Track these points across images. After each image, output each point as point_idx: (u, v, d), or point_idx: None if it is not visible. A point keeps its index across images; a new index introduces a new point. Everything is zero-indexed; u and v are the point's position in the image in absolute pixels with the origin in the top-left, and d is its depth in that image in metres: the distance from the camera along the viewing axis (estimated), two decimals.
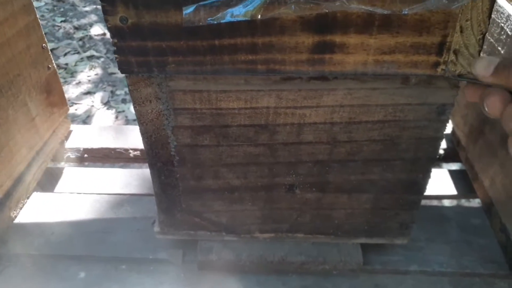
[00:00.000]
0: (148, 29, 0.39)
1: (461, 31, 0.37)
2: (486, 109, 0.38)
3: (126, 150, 0.83)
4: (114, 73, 2.03)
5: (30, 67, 0.73)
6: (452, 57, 0.39)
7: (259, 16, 0.37)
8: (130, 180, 0.80)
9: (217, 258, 0.60)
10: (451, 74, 0.40)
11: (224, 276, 0.62)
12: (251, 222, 0.59)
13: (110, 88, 1.93)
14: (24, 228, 0.69)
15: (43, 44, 0.76)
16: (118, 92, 1.91)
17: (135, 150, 0.84)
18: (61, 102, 0.85)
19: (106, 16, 0.38)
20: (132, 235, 0.67)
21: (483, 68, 0.38)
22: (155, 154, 0.51)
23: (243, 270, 0.62)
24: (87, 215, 0.70)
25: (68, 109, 0.87)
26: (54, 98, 0.81)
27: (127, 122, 1.74)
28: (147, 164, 0.53)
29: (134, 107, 0.47)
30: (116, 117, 1.77)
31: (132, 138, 0.86)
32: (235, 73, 0.42)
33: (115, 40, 0.40)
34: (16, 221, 0.70)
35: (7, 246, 0.65)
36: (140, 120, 0.48)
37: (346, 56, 0.40)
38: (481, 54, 0.39)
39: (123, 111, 1.80)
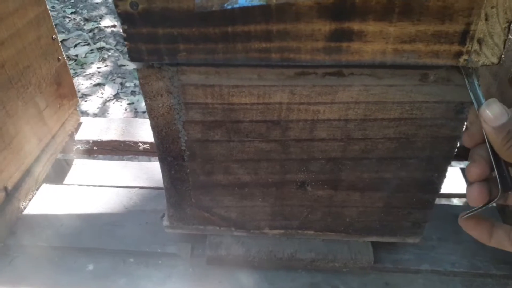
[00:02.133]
0: (159, 15, 0.38)
1: (486, 19, 0.36)
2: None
3: (136, 143, 0.83)
4: (124, 65, 2.03)
5: (40, 59, 0.73)
6: (475, 46, 0.37)
7: (274, 1, 0.36)
8: (140, 173, 0.79)
9: (226, 253, 0.60)
10: (473, 65, 0.38)
11: (232, 271, 0.62)
12: (261, 218, 0.58)
13: (119, 80, 1.93)
14: (33, 219, 0.69)
15: (53, 35, 0.76)
16: (127, 84, 1.91)
17: (144, 143, 0.83)
18: (71, 94, 0.84)
19: (116, 1, 0.37)
20: (141, 229, 0.67)
21: (494, 115, 0.35)
22: (165, 149, 0.51)
23: (252, 266, 0.61)
24: (96, 208, 0.70)
25: (77, 101, 0.87)
26: (64, 90, 0.81)
27: (136, 114, 1.75)
28: (156, 157, 0.53)
29: (145, 101, 0.46)
30: (126, 109, 1.77)
31: (142, 131, 0.86)
32: (248, 62, 0.41)
33: (125, 27, 0.38)
34: (25, 212, 0.70)
35: (16, 237, 0.66)
36: (151, 114, 0.47)
37: (364, 44, 0.38)
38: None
39: (133, 103, 1.80)
